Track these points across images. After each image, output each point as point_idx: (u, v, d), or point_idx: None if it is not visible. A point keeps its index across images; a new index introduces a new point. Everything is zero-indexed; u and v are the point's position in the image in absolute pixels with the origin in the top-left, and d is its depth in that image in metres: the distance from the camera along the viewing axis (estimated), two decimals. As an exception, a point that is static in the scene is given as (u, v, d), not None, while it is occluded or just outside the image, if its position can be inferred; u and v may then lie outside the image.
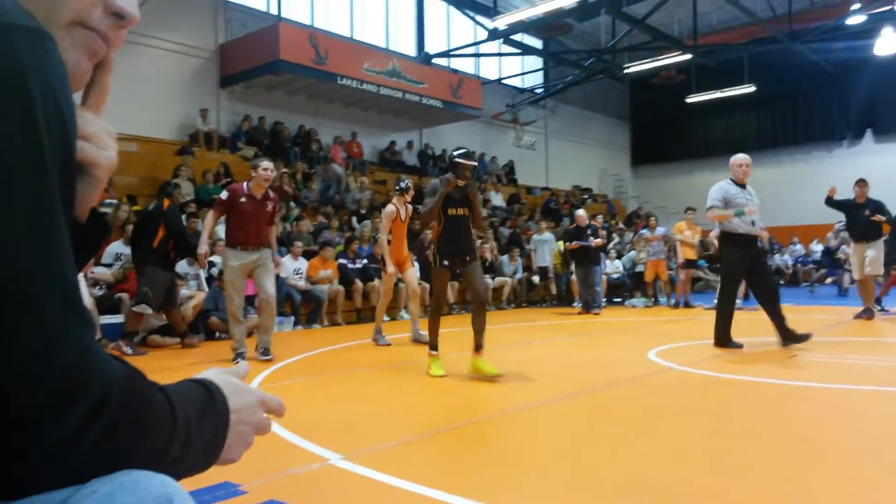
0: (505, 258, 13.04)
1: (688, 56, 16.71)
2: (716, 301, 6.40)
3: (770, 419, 3.55)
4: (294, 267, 9.53)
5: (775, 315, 5.96)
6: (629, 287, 13.51)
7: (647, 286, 12.73)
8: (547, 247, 13.09)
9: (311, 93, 14.62)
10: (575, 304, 12.35)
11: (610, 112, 24.55)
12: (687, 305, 11.49)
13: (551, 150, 21.96)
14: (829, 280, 15.77)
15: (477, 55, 18.63)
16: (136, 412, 0.64)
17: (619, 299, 13.28)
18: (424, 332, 6.68)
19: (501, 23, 14.94)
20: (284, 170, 12.70)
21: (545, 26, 17.08)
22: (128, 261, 8.14)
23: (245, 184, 6.00)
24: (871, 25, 16.52)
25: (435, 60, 17.46)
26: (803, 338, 5.86)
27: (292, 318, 9.14)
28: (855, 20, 16.54)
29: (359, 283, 10.06)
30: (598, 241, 11.33)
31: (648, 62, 17.54)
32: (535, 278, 13.13)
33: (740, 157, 6.20)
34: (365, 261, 10.52)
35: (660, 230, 12.14)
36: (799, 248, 19.17)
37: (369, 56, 14.45)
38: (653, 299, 12.60)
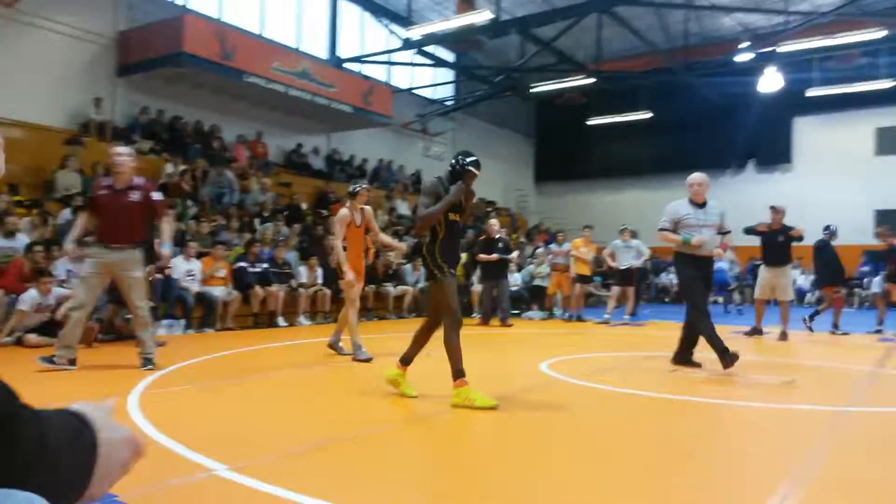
0: (408, 267, 13.11)
1: (590, 80, 17.43)
2: (686, 325, 6.06)
3: (645, 431, 3.77)
4: (187, 268, 9.19)
5: (690, 335, 6.00)
6: (527, 300, 13.89)
7: (546, 299, 13.15)
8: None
9: (216, 88, 14.17)
10: (474, 314, 12.59)
11: (516, 128, 25.20)
12: (579, 319, 11.95)
13: (459, 161, 22.26)
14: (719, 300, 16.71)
15: (389, 63, 18.67)
16: (5, 432, 0.64)
17: (517, 311, 13.61)
18: (343, 345, 6.56)
19: (415, 33, 15.08)
20: (183, 167, 12.25)
21: (457, 40, 17.36)
22: (4, 253, 7.64)
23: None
24: (756, 64, 17.86)
25: (346, 65, 17.36)
26: (694, 365, 5.96)
27: (183, 322, 8.81)
28: (742, 58, 17.83)
29: (258, 289, 9.81)
30: (515, 254, 11.58)
31: (553, 83, 18.16)
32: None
33: (693, 177, 6.02)
34: (265, 265, 10.29)
35: (566, 245, 12.57)
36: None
37: (279, 55, 14.19)
38: (549, 312, 13.03)
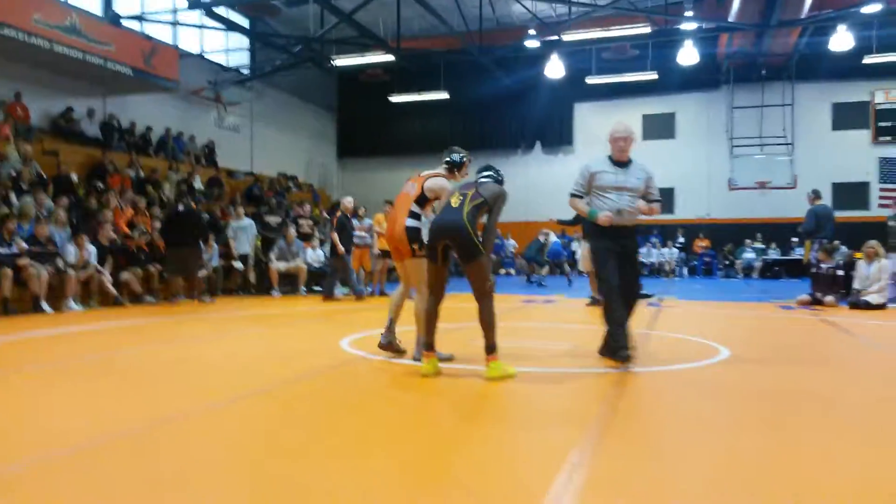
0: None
1: (391, 57, 17.41)
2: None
3: (436, 404, 3.80)
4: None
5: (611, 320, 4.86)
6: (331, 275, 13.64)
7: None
8: (247, 233, 12.66)
9: (-37, 40, 12.04)
10: (274, 292, 12.22)
11: (318, 102, 24.57)
12: (382, 294, 11.98)
13: (256, 133, 21.24)
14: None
15: (175, 23, 17.16)
16: None
17: (320, 287, 13.33)
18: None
19: (204, -7, 13.97)
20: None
21: (251, 4, 16.42)
22: None
23: None
24: (543, 51, 19.04)
25: (125, 23, 15.66)
26: (624, 357, 4.72)
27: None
28: (531, 44, 18.90)
29: (7, 269, 8.45)
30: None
31: (354, 57, 17.89)
32: (238, 265, 12.56)
33: (617, 129, 4.92)
34: (25, 244, 8.95)
35: (367, 221, 12.46)
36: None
37: (41, 6, 12.34)
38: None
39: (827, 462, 2.71)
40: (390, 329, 5.21)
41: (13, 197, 10.44)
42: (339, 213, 11.63)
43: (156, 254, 11.12)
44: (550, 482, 2.36)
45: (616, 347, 4.77)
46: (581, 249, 9.93)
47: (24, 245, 8.86)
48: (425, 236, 4.76)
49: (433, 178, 4.99)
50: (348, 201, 11.70)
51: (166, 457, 2.74)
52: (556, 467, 2.52)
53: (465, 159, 5.15)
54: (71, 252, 9.47)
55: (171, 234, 10.73)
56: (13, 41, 11.81)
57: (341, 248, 11.20)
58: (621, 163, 4.92)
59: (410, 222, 4.89)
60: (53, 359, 5.38)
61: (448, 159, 5.13)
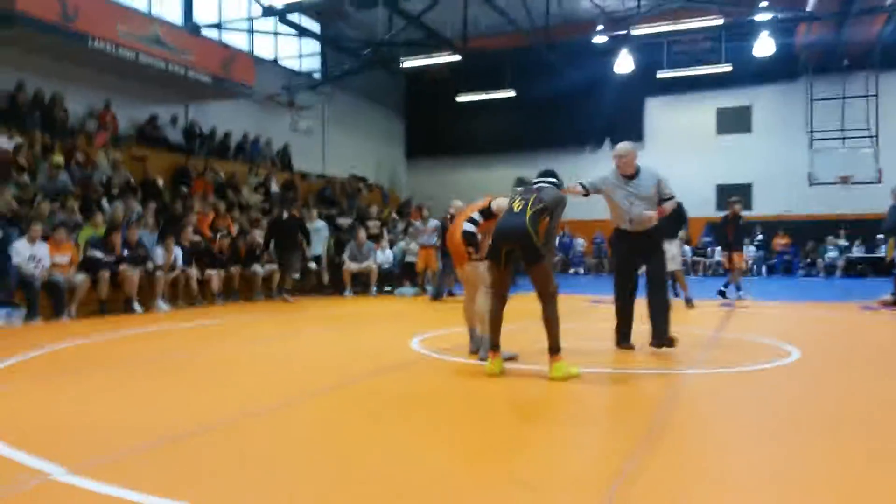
0: (275, 245, 12.73)
1: (457, 57, 17.55)
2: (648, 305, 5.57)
3: (509, 403, 3.90)
4: (31, 253, 8.41)
5: (651, 308, 5.47)
6: (398, 276, 13.93)
7: (418, 275, 13.23)
8: (320, 235, 13.08)
9: (58, 54, 12.89)
10: (346, 292, 12.58)
11: (386, 103, 25.00)
12: (450, 294, 12.15)
13: (328, 136, 21.81)
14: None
15: (251, 31, 17.84)
16: None
17: (389, 288, 13.64)
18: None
19: (277, 0, 14.47)
20: (19, 139, 11.10)
21: (322, 10, 16.87)
22: None
23: None
24: (612, 46, 18.78)
25: (204, 32, 16.38)
26: (668, 342, 5.41)
27: (24, 311, 8.05)
28: (599, 40, 18.67)
29: (105, 273, 9.05)
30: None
31: (422, 59, 18.13)
32: (313, 265, 13.01)
33: (616, 148, 5.64)
34: (125, 250, 9.59)
35: (433, 222, 12.66)
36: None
37: (126, 18, 13.09)
38: (420, 288, 13.12)
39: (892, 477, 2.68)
40: (473, 338, 5.46)
41: (105, 203, 11.13)
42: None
43: (236, 255, 11.62)
44: (608, 485, 2.44)
45: (618, 337, 5.65)
46: (671, 249, 9.60)
47: (125, 252, 9.48)
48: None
49: (502, 198, 5.16)
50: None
51: (254, 445, 2.97)
52: (613, 471, 2.60)
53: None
54: (159, 254, 10.05)
55: (277, 237, 11.85)
56: (103, 54, 12.55)
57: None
58: (628, 176, 5.51)
59: (467, 226, 5.19)
60: (150, 355, 5.78)
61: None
